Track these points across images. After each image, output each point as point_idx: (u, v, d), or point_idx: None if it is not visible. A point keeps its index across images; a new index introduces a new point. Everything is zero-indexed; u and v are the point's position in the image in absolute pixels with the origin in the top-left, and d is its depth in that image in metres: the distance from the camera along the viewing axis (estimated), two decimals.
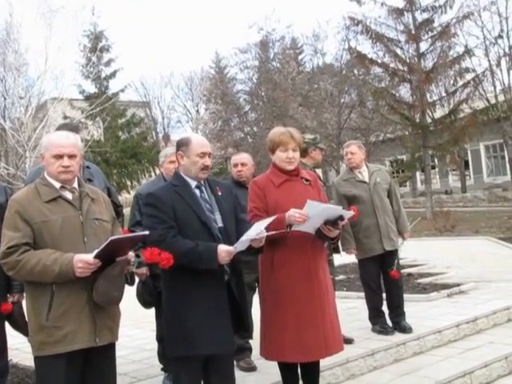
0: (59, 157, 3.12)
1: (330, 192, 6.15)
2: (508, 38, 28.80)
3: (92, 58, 28.73)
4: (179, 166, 3.63)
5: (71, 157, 3.15)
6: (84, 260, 2.93)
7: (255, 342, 4.03)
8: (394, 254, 5.68)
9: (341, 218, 3.76)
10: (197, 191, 3.55)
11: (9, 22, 21.09)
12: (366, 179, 5.74)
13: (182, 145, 3.57)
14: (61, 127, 4.35)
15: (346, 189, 5.71)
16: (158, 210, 3.41)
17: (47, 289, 2.99)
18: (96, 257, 2.94)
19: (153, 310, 4.75)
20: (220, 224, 3.52)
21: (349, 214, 3.89)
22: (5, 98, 22.49)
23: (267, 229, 3.39)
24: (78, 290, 3.01)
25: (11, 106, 22.81)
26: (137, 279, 4.33)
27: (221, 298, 3.42)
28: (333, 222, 3.73)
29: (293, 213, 3.65)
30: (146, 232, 3.24)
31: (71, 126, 4.32)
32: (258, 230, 3.35)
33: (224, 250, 3.30)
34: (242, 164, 5.06)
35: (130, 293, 3.59)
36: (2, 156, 23.95)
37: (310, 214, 3.64)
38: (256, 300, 4.29)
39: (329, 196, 5.96)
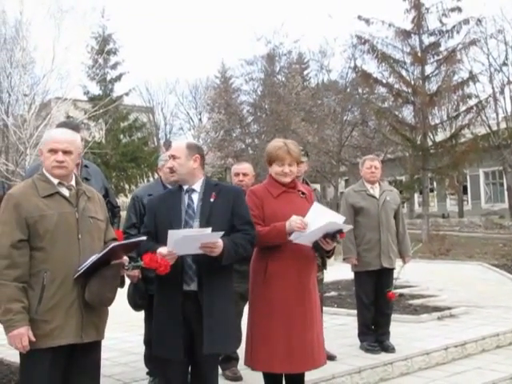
0: (54, 151, 3.15)
1: (331, 205, 6.15)
2: None
3: (99, 60, 28.74)
4: None
5: (66, 153, 3.16)
6: None
7: (242, 352, 4.01)
8: (390, 273, 5.69)
9: (340, 231, 3.79)
10: (185, 196, 3.57)
11: (19, 20, 21.14)
12: (377, 195, 5.80)
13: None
14: (60, 125, 4.41)
15: (355, 200, 5.77)
16: (148, 215, 3.70)
17: (38, 281, 2.99)
18: (94, 263, 2.99)
19: (142, 313, 4.74)
20: None
21: (348, 227, 3.96)
22: (9, 95, 22.39)
23: None
24: (68, 285, 3.02)
25: (15, 103, 22.77)
26: (128, 281, 4.32)
27: (173, 306, 3.44)
28: (332, 236, 3.77)
29: (294, 219, 3.68)
30: (144, 237, 3.33)
31: (71, 125, 4.35)
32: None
33: (162, 249, 3.28)
34: (244, 174, 5.09)
35: (120, 295, 3.58)
36: (3, 152, 23.84)
37: (311, 221, 3.69)
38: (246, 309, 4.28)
39: (335, 208, 5.95)
